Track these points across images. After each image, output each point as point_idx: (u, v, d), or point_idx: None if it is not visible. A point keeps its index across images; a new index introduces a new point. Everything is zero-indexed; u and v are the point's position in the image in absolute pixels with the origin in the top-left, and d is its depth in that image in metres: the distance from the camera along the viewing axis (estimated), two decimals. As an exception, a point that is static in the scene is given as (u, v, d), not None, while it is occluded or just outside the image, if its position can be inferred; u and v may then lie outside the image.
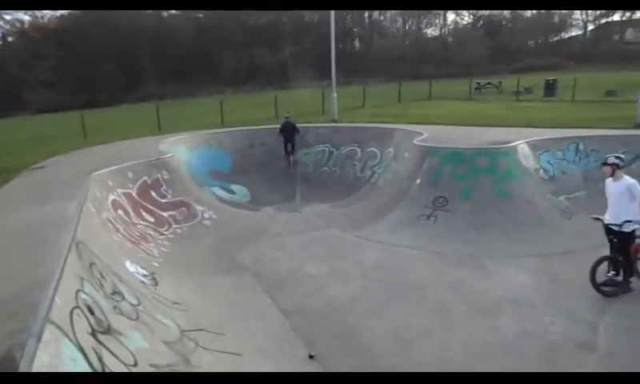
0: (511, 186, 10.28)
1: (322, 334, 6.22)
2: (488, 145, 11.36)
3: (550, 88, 27.94)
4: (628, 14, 55.00)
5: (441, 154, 11.12)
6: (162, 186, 10.93)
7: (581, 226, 8.94)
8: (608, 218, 6.72)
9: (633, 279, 6.76)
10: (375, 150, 14.44)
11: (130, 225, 8.98)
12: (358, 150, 14.88)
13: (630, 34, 54.67)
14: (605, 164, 6.80)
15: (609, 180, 6.82)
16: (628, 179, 6.61)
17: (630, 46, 49.45)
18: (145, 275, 6.97)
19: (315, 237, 9.55)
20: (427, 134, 13.18)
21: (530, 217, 9.68)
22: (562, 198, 10.74)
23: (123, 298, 5.18)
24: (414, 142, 12.34)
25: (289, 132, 15.06)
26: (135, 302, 5.37)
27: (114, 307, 4.73)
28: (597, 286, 6.69)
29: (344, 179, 14.19)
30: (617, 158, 6.74)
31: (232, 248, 9.46)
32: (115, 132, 19.40)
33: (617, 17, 58.30)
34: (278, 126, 15.78)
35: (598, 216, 6.84)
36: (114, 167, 10.32)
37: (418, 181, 11.06)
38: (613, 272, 6.77)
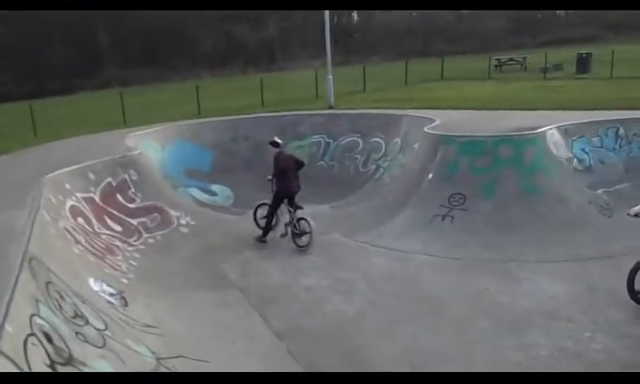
0: (540, 180, 10.32)
1: (322, 359, 6.21)
2: (511, 131, 11.39)
3: (583, 64, 28.07)
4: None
5: (457, 144, 11.14)
6: (129, 188, 10.89)
7: (623, 224, 8.96)
8: None
9: None
10: (379, 140, 14.46)
11: (92, 235, 8.94)
12: (359, 140, 14.89)
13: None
14: None
15: None
16: None
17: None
18: (112, 294, 6.94)
19: (314, 244, 9.54)
20: (440, 121, 13.21)
21: (562, 215, 9.71)
22: (600, 191, 10.80)
23: (87, 322, 5.15)
24: (425, 129, 12.36)
25: (288, 172, 9.90)
26: (101, 326, 5.34)
27: (76, 333, 4.70)
28: (635, 296, 6.72)
29: (344, 175, 14.20)
30: None
31: (214, 259, 9.45)
32: (71, 126, 19.32)
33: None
34: (267, 114, 15.70)
35: (636, 211, 6.86)
36: (72, 167, 10.27)
37: (431, 175, 11.07)
38: None
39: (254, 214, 10.73)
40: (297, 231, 9.76)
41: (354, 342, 6.58)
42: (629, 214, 6.96)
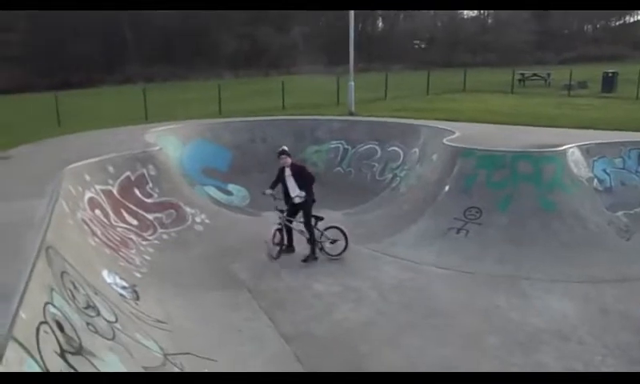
0: (558, 197, 10.20)
1: (328, 365, 6.21)
2: (531, 147, 11.29)
3: (609, 82, 27.65)
4: None
5: (475, 157, 11.07)
6: (147, 183, 11.03)
7: (641, 247, 8.85)
8: None
9: None
10: (397, 149, 14.44)
11: (108, 227, 9.07)
12: (377, 148, 14.90)
13: None
14: None
15: None
16: None
17: None
18: (124, 287, 7.03)
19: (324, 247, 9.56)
20: (459, 133, 13.15)
21: (579, 234, 9.59)
22: (619, 213, 10.63)
23: (98, 314, 5.22)
24: (444, 141, 12.32)
25: (300, 179, 9.48)
26: (112, 318, 5.42)
27: (88, 324, 4.77)
28: None
29: (360, 182, 14.21)
30: None
31: (227, 259, 9.52)
32: (94, 118, 19.64)
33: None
34: (287, 116, 15.74)
35: None
36: (93, 160, 10.44)
37: (447, 187, 11.02)
38: None
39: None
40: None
41: (360, 350, 6.56)
42: None
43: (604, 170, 11.56)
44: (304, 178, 9.43)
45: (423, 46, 58.04)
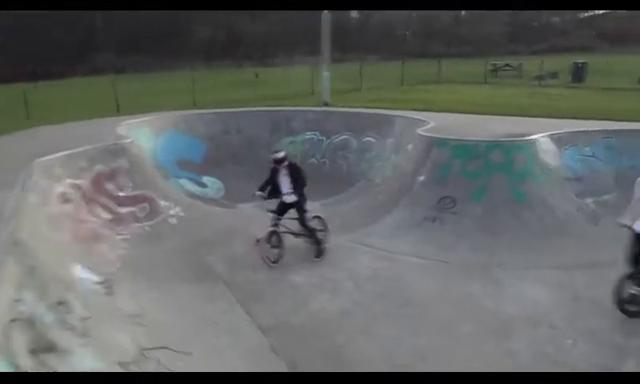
0: (529, 187, 10.40)
1: (305, 355, 6.25)
2: (504, 137, 11.47)
3: (578, 73, 28.29)
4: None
5: (449, 147, 11.19)
6: (120, 176, 10.82)
7: (610, 233, 9.03)
8: None
9: None
10: (372, 140, 14.49)
11: (80, 222, 8.90)
12: (352, 139, 14.92)
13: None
14: None
15: None
16: None
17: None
18: (98, 282, 6.93)
19: (300, 241, 9.55)
20: (434, 123, 13.26)
21: (550, 222, 9.81)
22: (588, 200, 10.90)
23: (71, 310, 5.14)
24: (419, 131, 12.41)
25: (294, 180, 9.20)
26: (85, 314, 5.33)
27: (60, 320, 4.70)
28: (621, 306, 6.82)
29: (335, 173, 14.23)
30: None
31: (202, 251, 9.45)
32: (64, 111, 19.23)
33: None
34: (262, 108, 15.68)
35: (626, 222, 6.88)
36: (64, 152, 10.19)
37: (422, 178, 11.12)
38: (637, 288, 6.88)
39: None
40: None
41: (337, 340, 6.62)
42: (618, 223, 7.01)
43: (573, 159, 11.81)
44: (297, 180, 9.10)
45: (407, 33, 58.31)
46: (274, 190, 9.23)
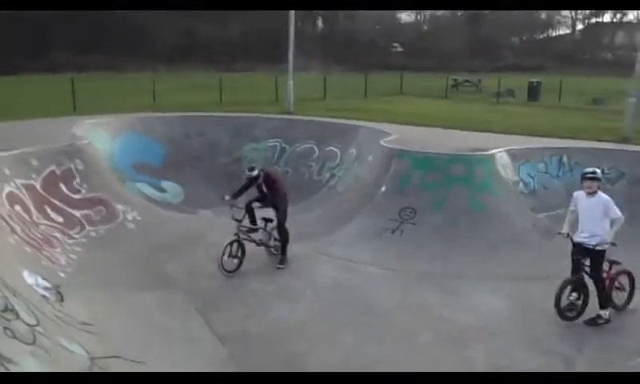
0: (487, 199, 10.68)
1: (264, 364, 6.16)
2: (463, 151, 11.73)
3: (533, 91, 29.40)
4: (619, 15, 58.99)
5: (410, 158, 11.37)
6: (74, 178, 10.47)
7: (562, 247, 9.30)
8: (582, 236, 7.15)
9: (608, 311, 7.16)
10: (335, 149, 14.55)
11: (30, 225, 8.54)
12: (315, 148, 14.93)
13: (620, 38, 58.57)
14: (591, 178, 7.12)
15: (581, 194, 7.25)
16: (602, 195, 7.13)
17: (619, 51, 52.87)
18: (47, 288, 6.64)
19: (261, 248, 9.46)
20: (396, 135, 13.45)
21: (507, 235, 10.07)
22: (542, 215, 11.25)
23: (17, 317, 4.89)
24: (381, 142, 12.56)
25: (273, 195, 9.29)
26: (33, 321, 5.09)
27: (5, 328, 4.47)
28: (561, 313, 7.11)
29: (297, 181, 14.17)
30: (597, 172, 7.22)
31: (160, 257, 9.22)
32: (14, 109, 18.41)
33: (607, 18, 62.33)
34: (224, 113, 15.44)
35: (564, 231, 7.39)
36: (13, 152, 9.78)
37: (383, 188, 11.25)
38: (574, 295, 7.21)
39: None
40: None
41: (297, 348, 6.56)
42: (559, 233, 7.52)
43: (528, 174, 12.20)
44: (276, 196, 9.17)
45: (400, 49, 59.13)
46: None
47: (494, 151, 11.74)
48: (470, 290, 8.32)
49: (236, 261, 8.83)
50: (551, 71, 45.24)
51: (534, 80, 30.30)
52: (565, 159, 12.56)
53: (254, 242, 9.25)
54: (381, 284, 8.56)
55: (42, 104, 20.18)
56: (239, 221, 9.04)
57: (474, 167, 11.08)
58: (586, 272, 7.16)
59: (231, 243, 8.81)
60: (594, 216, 7.06)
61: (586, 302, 7.20)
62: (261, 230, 9.34)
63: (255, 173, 9.08)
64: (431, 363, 6.28)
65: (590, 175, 7.16)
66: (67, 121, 14.55)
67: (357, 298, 8.04)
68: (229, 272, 8.69)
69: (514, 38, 64.82)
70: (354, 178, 12.88)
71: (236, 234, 8.91)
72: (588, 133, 16.18)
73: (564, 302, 7.13)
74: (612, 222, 7.06)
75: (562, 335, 6.92)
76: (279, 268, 9.08)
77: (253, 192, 9.43)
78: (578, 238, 7.21)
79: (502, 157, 11.88)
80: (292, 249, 9.67)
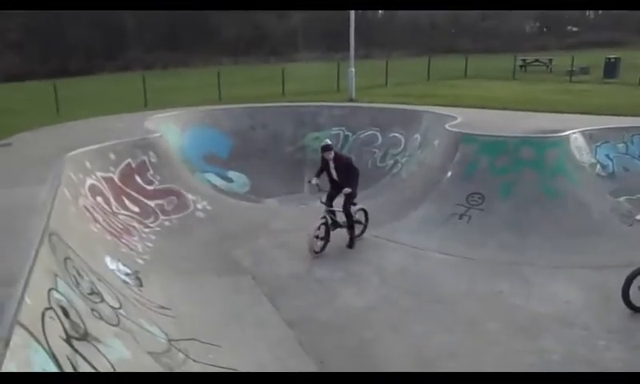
0: (561, 184, 10.18)
1: (331, 350, 6.24)
2: (534, 133, 11.24)
3: (611, 68, 27.50)
4: None
5: (477, 143, 11.03)
6: (148, 170, 11.01)
7: (644, 233, 8.84)
8: None
9: None
10: (399, 135, 14.38)
11: (110, 214, 9.06)
12: (378, 135, 14.83)
13: None
14: None
15: None
16: None
17: None
18: (127, 274, 7.04)
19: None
20: (461, 119, 13.08)
21: (582, 220, 9.57)
22: (622, 199, 10.61)
23: (102, 300, 5.23)
24: (446, 127, 12.26)
25: (346, 173, 9.15)
26: (116, 304, 5.42)
27: (92, 310, 4.78)
28: (629, 302, 6.75)
29: (361, 169, 13.97)
30: None
31: (229, 245, 9.52)
32: (93, 106, 19.53)
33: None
34: (287, 103, 15.62)
35: None
36: (93, 146, 10.40)
37: (450, 173, 10.99)
38: None
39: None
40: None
41: (363, 335, 6.59)
42: (637, 220, 6.95)
43: (607, 156, 11.52)
44: (349, 173, 9.09)
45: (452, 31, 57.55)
46: (330, 181, 9.40)
47: (566, 133, 11.16)
48: (542, 279, 8.00)
49: (321, 243, 9.12)
50: (631, 46, 42.25)
51: (612, 56, 28.38)
52: (648, 139, 11.76)
53: (339, 224, 9.42)
54: (448, 271, 8.41)
55: (117, 101, 21.22)
56: (326, 203, 9.25)
57: (546, 150, 10.58)
58: None
59: (319, 226, 9.03)
60: None
61: None
62: (342, 213, 9.45)
63: (327, 141, 9.38)
64: (504, 352, 6.13)
65: None
66: (140, 116, 15.24)
67: (424, 285, 7.95)
68: (316, 253, 9.00)
69: (588, 12, 60.89)
70: (419, 165, 12.68)
71: (323, 217, 9.11)
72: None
73: (630, 290, 6.74)
74: None
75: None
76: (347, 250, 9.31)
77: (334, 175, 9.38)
78: None
79: (576, 138, 11.28)
80: (357, 236, 9.70)
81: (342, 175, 9.13)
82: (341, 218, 9.40)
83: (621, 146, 11.69)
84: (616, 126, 12.27)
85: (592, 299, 7.33)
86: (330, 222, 9.21)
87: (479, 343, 6.36)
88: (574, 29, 54.75)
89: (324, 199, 9.30)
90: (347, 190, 8.97)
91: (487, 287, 7.80)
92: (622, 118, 13.72)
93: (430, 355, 6.13)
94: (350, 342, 6.44)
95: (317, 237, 9.05)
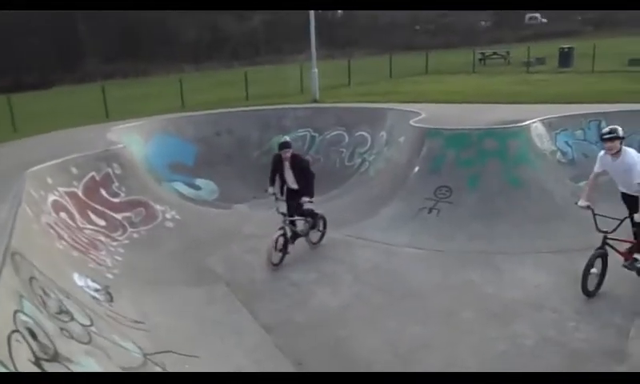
0: (524, 172, 10.45)
1: (309, 350, 6.24)
2: (496, 125, 11.50)
3: (565, 58, 28.43)
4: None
5: (442, 137, 11.22)
6: (113, 182, 10.78)
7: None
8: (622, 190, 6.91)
9: None
10: (365, 134, 14.50)
11: (76, 230, 8.83)
12: (344, 134, 14.91)
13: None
14: (610, 138, 6.54)
15: (606, 157, 6.78)
16: (630, 154, 6.63)
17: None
18: (97, 290, 6.87)
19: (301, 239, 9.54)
20: (425, 114, 13.27)
21: (546, 206, 9.84)
22: (582, 184, 10.90)
23: (72, 318, 5.08)
24: (411, 123, 12.42)
25: (300, 174, 8.93)
26: (87, 322, 5.28)
27: (61, 329, 4.64)
28: (586, 290, 6.79)
29: (329, 169, 14.20)
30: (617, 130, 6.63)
31: (201, 253, 9.39)
32: (52, 119, 18.99)
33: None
34: (252, 107, 15.55)
35: (583, 203, 6.95)
36: (54, 161, 10.12)
37: (417, 168, 11.14)
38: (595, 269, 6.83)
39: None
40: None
41: (339, 334, 6.61)
42: (576, 204, 7.11)
43: (566, 143, 11.88)
44: (305, 178, 8.80)
45: (417, 28, 58.10)
46: (281, 187, 9.04)
47: (527, 122, 11.45)
48: (512, 266, 8.19)
49: (280, 254, 8.75)
50: (583, 36, 43.70)
51: (565, 46, 29.32)
52: (604, 124, 12.12)
53: (299, 235, 9.16)
54: (420, 265, 8.51)
55: (77, 113, 20.66)
56: (284, 214, 8.87)
57: (508, 140, 10.84)
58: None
59: (277, 238, 8.63)
60: (627, 178, 6.66)
61: (604, 274, 6.92)
62: (302, 221, 9.24)
63: (286, 138, 9.20)
64: (479, 341, 6.24)
65: (607, 135, 6.63)
66: (102, 128, 14.91)
67: (397, 280, 8.03)
68: (275, 265, 8.62)
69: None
70: (386, 162, 12.80)
71: (282, 228, 8.73)
72: (627, 96, 15.55)
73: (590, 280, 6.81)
74: None
75: (614, 306, 6.69)
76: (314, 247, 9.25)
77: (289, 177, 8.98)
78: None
79: (536, 127, 11.59)
80: (328, 235, 9.71)
81: (298, 178, 8.79)
82: (301, 226, 9.15)
83: (579, 132, 12.07)
84: (573, 113, 12.65)
85: (560, 282, 7.53)
86: (289, 234, 8.83)
87: (453, 333, 6.46)
88: (544, 19, 56.07)
89: (282, 209, 8.83)
90: (307, 200, 8.67)
91: (459, 278, 7.93)
92: (577, 105, 14.17)
93: (405, 348, 6.20)
94: (327, 341, 6.47)
95: (277, 249, 8.66)
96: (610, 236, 6.84)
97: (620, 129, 6.67)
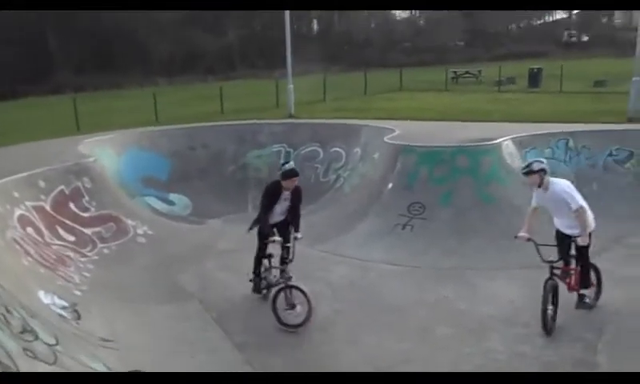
0: (495, 189, 10.64)
1: (284, 368, 6.14)
2: (468, 142, 11.70)
3: (534, 78, 29.30)
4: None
5: (416, 154, 11.35)
6: (83, 196, 10.53)
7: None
8: (559, 226, 6.78)
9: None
10: (340, 150, 14.55)
11: (43, 245, 8.59)
12: (319, 150, 14.94)
13: (618, 18, 58.18)
14: (527, 172, 6.37)
15: (538, 191, 6.64)
16: (558, 185, 6.52)
17: (618, 32, 52.53)
18: (64, 307, 6.67)
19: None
20: (399, 131, 13.43)
21: (517, 223, 9.90)
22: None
23: (36, 338, 4.91)
24: (385, 139, 12.53)
25: (292, 204, 7.60)
26: (52, 341, 5.10)
27: (25, 349, 4.48)
28: (547, 327, 6.55)
29: (304, 184, 13.71)
30: (540, 162, 6.56)
31: (173, 270, 9.23)
32: (20, 131, 18.54)
33: (602, -2, 61.72)
34: (227, 122, 15.42)
35: (525, 236, 6.74)
36: (21, 175, 9.84)
37: (391, 185, 11.23)
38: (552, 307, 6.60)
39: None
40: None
41: (319, 350, 6.56)
42: (516, 237, 6.92)
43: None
44: (297, 208, 7.62)
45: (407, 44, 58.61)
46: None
47: (499, 140, 11.68)
48: (485, 282, 8.29)
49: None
50: (551, 57, 45.02)
51: (535, 67, 30.20)
52: (571, 143, 12.50)
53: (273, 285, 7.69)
54: (395, 281, 8.53)
55: (47, 126, 20.25)
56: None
57: (480, 158, 11.04)
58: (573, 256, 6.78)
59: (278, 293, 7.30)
60: (559, 209, 6.57)
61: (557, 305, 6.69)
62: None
63: (292, 164, 7.59)
64: (454, 356, 6.26)
65: (523, 170, 6.51)
66: (72, 140, 14.61)
67: (373, 296, 8.02)
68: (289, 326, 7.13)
69: (512, 25, 64.45)
70: (361, 178, 12.87)
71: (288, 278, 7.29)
72: (593, 116, 16.08)
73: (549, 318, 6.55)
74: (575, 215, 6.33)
75: (582, 320, 6.84)
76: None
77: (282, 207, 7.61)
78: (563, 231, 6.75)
79: (507, 145, 11.83)
80: (304, 251, 9.62)
81: (289, 210, 7.60)
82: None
83: (547, 150, 12.34)
84: (542, 132, 12.98)
85: (531, 297, 7.61)
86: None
87: (431, 349, 6.49)
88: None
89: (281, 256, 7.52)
90: (299, 236, 7.47)
91: (434, 294, 7.99)
92: (546, 124, 14.57)
93: (385, 364, 6.16)
94: (305, 359, 6.38)
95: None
96: (555, 265, 6.76)
97: (536, 162, 6.50)
